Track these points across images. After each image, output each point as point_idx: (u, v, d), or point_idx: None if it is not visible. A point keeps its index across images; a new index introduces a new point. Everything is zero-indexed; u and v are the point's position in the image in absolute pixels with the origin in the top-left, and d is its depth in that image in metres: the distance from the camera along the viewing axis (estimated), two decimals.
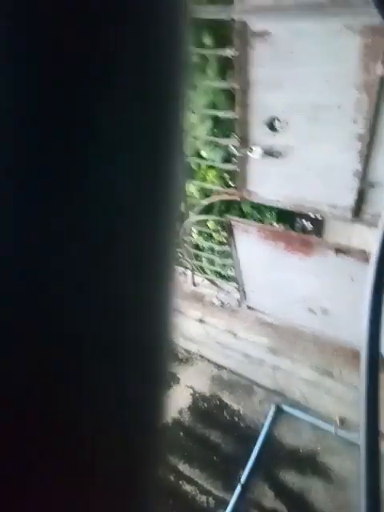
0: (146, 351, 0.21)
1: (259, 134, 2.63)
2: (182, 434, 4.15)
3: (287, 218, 5.11)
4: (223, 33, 3.20)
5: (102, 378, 0.19)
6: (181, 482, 3.94)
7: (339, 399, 3.45)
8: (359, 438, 0.32)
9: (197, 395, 4.35)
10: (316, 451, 3.68)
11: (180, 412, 4.27)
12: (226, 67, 3.67)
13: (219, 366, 4.38)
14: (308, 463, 3.65)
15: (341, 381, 3.26)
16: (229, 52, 2.33)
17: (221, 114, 2.78)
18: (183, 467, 3.98)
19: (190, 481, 3.94)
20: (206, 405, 4.29)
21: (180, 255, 4.81)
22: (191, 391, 4.38)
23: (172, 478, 3.94)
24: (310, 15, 1.97)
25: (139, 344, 0.21)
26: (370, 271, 0.43)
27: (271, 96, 2.38)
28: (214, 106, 4.05)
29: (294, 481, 3.61)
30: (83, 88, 0.16)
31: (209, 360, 4.44)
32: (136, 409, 0.21)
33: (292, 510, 3.47)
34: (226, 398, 4.25)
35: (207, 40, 3.40)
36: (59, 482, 0.18)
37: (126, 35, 0.16)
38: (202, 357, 4.48)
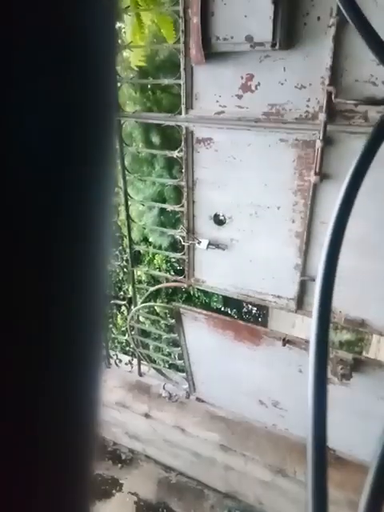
0: (80, 345, 0.21)
1: (205, 226, 2.73)
2: None
3: (234, 302, 5.20)
4: (170, 134, 3.50)
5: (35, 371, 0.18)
6: None
7: (295, 501, 3.22)
8: None
9: (141, 503, 3.88)
10: None
11: None
12: (173, 163, 3.96)
13: (167, 468, 4.00)
14: None
15: (295, 480, 3.07)
16: (176, 154, 2.48)
17: (168, 207, 2.89)
18: None
19: None
20: None
21: (127, 343, 4.60)
22: (135, 499, 3.91)
23: None
24: (249, 128, 2.18)
25: (73, 334, 0.20)
26: (310, 360, 0.41)
27: (216, 194, 2.52)
28: (161, 195, 4.29)
29: None
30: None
31: (155, 461, 4.05)
32: (70, 403, 0.21)
33: None
34: (175, 505, 3.82)
35: (155, 139, 3.69)
36: None
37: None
38: (147, 457, 4.09)
